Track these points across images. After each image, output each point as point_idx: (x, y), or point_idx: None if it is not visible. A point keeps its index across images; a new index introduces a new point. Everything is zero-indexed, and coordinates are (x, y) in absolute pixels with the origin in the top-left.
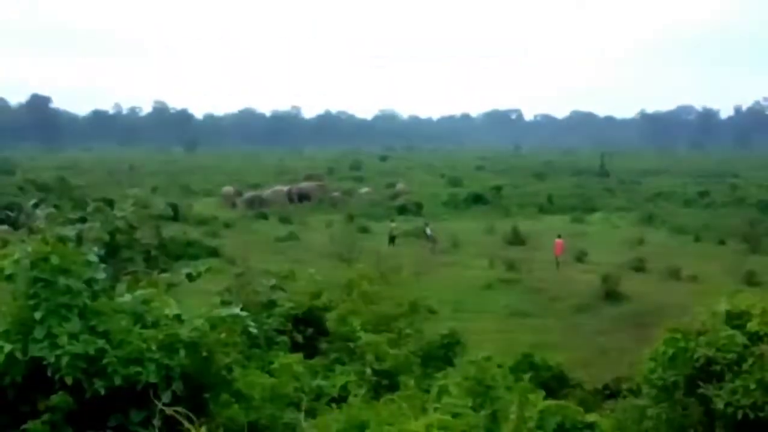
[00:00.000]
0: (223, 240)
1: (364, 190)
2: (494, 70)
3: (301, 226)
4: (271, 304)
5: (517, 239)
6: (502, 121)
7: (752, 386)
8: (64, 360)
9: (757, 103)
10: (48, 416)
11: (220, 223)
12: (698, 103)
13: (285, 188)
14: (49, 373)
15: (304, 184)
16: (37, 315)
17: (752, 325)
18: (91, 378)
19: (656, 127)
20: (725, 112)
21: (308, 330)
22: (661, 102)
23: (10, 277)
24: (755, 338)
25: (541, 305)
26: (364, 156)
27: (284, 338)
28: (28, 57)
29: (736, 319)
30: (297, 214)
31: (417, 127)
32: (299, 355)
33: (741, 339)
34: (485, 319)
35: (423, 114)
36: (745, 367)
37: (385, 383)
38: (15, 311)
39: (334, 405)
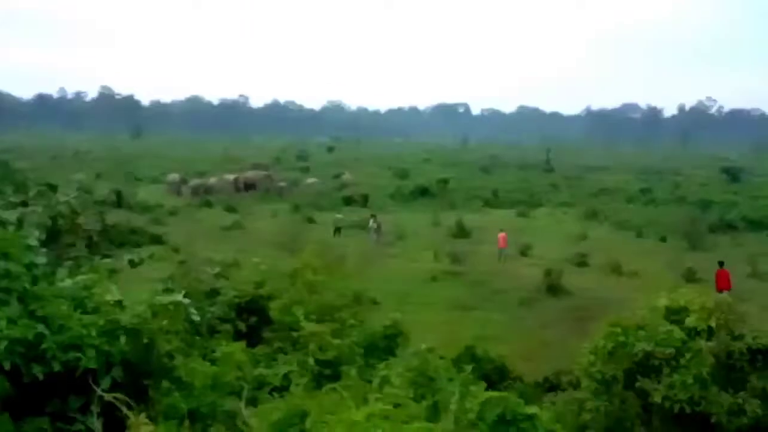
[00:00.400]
0: (168, 228)
1: (311, 180)
2: (443, 64)
3: (246, 215)
4: (215, 292)
5: (462, 232)
6: (449, 114)
7: (689, 381)
8: (2, 345)
9: (701, 102)
10: None
11: (165, 211)
12: (643, 101)
13: (231, 177)
14: None
15: (251, 173)
16: None
17: (690, 321)
18: (29, 363)
19: (601, 124)
20: (669, 110)
21: (251, 319)
22: (607, 99)
23: None
24: (693, 334)
25: (484, 298)
26: (311, 146)
27: (227, 326)
28: None
29: (674, 314)
30: (243, 203)
31: (365, 119)
32: (242, 344)
33: (679, 334)
34: (429, 311)
35: (371, 105)
36: (683, 362)
37: (327, 373)
38: None
39: (275, 394)
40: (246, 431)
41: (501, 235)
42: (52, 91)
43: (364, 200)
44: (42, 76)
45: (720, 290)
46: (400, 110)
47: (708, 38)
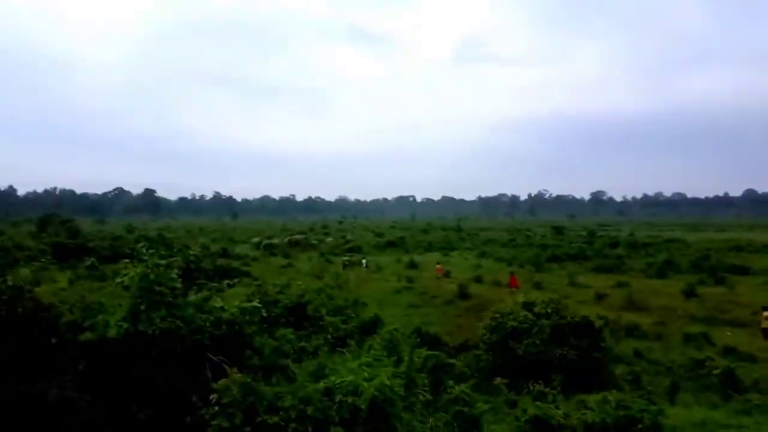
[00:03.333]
0: (251, 267)
1: (329, 239)
2: (399, 171)
3: (294, 259)
4: (276, 301)
5: (412, 265)
6: (404, 202)
7: (537, 342)
8: (157, 332)
9: (539, 192)
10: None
11: (249, 258)
12: (508, 190)
13: (286, 239)
14: (148, 341)
15: (297, 236)
16: (142, 306)
17: (537, 309)
18: (174, 343)
19: (487, 204)
20: (522, 197)
21: (297, 315)
22: (490, 190)
23: (127, 287)
24: (539, 316)
25: (426, 301)
26: (329, 221)
27: (283, 320)
28: None
29: (529, 306)
30: (292, 253)
31: (359, 206)
32: (291, 329)
33: (531, 317)
34: (395, 309)
35: (362, 198)
36: (533, 332)
37: (339, 344)
38: (129, 305)
39: (310, 357)
40: (293, 377)
41: (437, 266)
42: None
43: (359, 249)
44: None
45: (512, 287)
46: (376, 200)
47: (540, 152)
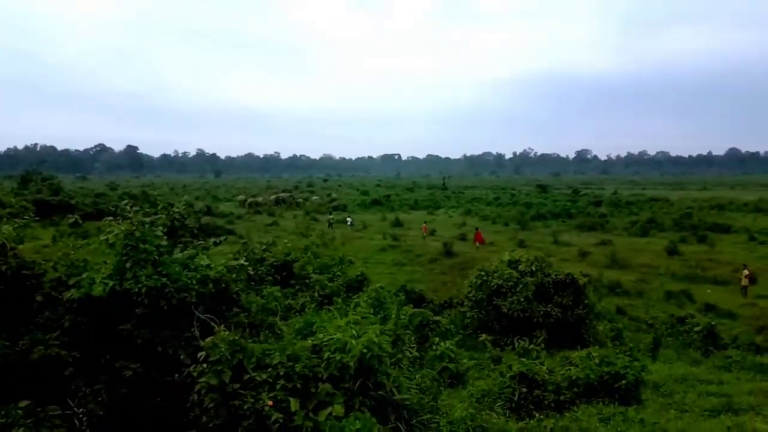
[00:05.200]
0: (236, 225)
1: (315, 198)
2: (385, 129)
3: (279, 218)
4: (263, 259)
5: (398, 224)
6: (389, 160)
7: (521, 299)
8: (143, 289)
9: (524, 150)
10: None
11: (234, 216)
12: (494, 149)
13: (271, 197)
14: (134, 299)
15: (282, 194)
16: (128, 264)
17: (522, 267)
18: (159, 299)
19: (473, 162)
20: (508, 155)
21: (283, 273)
22: (475, 148)
23: (112, 245)
24: (524, 274)
25: (411, 259)
26: (314, 180)
27: (270, 278)
28: None
29: (513, 264)
30: (278, 212)
31: (344, 164)
32: (278, 287)
33: (515, 274)
34: (381, 267)
35: (347, 156)
36: (518, 289)
37: (325, 302)
38: (114, 263)
39: (297, 314)
40: (281, 334)
41: (424, 225)
42: None
43: (344, 207)
44: None
45: (479, 243)
46: (362, 158)
47: (520, 112)
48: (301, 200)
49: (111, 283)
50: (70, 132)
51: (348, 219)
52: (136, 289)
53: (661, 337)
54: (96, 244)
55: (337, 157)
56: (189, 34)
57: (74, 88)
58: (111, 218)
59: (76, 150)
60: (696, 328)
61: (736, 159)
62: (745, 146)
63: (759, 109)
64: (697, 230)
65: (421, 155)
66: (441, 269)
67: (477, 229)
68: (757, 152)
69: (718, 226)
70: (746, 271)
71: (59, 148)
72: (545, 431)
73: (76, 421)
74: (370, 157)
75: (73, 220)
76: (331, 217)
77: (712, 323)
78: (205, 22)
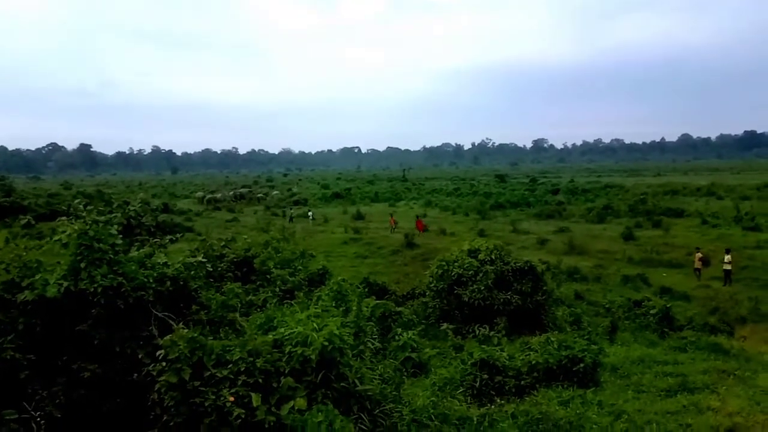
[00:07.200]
0: (194, 222)
1: (275, 192)
2: (344, 123)
3: (239, 213)
4: (222, 255)
5: (359, 216)
6: (349, 153)
7: (482, 288)
8: (99, 289)
9: (483, 140)
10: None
11: (192, 213)
12: (453, 140)
13: (230, 193)
14: (90, 299)
15: (241, 190)
16: (82, 264)
17: (481, 256)
18: (115, 299)
19: (432, 154)
20: (467, 146)
21: (244, 269)
22: (434, 140)
23: (66, 245)
24: (483, 263)
25: (372, 252)
26: (274, 174)
27: (230, 274)
28: None
29: (473, 253)
30: (237, 207)
31: (303, 158)
32: (238, 284)
33: (475, 263)
34: (343, 260)
35: (306, 150)
36: (478, 278)
37: (287, 297)
38: (68, 263)
39: (258, 310)
40: (242, 330)
41: (391, 218)
42: None
43: (305, 201)
44: None
45: (420, 230)
46: (321, 152)
47: (483, 103)
48: (261, 195)
49: (65, 284)
50: (21, 131)
51: (309, 213)
52: (92, 289)
53: (619, 320)
54: (49, 245)
55: (297, 152)
56: (141, 33)
57: (24, 89)
58: (64, 218)
59: (27, 150)
60: (652, 311)
61: (688, 145)
62: (697, 132)
63: (710, 95)
64: (652, 215)
65: (381, 148)
66: (403, 261)
67: (417, 217)
68: (709, 138)
69: (672, 211)
70: (699, 254)
71: (10, 148)
72: (506, 416)
73: (34, 425)
74: (329, 151)
75: (26, 221)
76: (292, 211)
77: (668, 305)
78: (156, 21)
